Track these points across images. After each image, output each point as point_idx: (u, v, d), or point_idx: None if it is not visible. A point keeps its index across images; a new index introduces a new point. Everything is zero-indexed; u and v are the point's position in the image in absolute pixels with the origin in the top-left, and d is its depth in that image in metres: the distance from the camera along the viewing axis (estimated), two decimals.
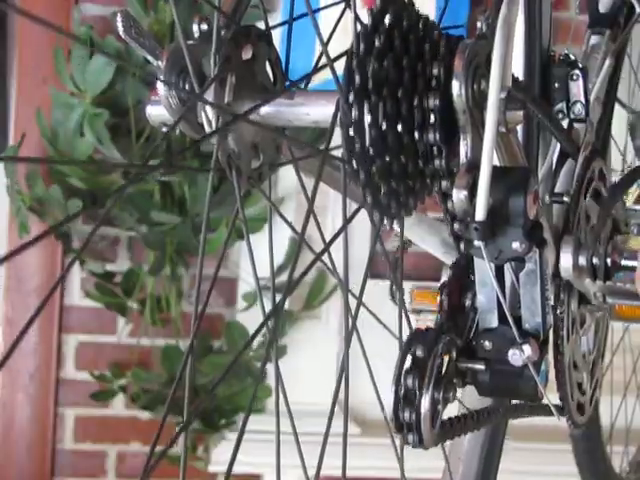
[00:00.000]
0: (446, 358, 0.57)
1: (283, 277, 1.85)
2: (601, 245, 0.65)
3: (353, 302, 0.62)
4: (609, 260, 0.64)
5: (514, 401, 0.68)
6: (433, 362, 0.55)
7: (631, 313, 0.73)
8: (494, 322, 0.59)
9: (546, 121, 0.62)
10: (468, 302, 0.60)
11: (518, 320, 0.59)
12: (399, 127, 0.51)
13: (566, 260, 0.63)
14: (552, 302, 0.61)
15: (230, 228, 0.61)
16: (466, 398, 0.74)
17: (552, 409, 0.62)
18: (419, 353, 0.55)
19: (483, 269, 0.57)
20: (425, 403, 0.54)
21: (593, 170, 0.72)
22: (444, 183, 0.53)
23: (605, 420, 1.10)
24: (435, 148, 0.52)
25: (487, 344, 0.59)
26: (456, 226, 0.54)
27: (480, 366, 0.59)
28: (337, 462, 1.91)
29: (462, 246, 0.55)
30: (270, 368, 1.87)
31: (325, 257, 0.58)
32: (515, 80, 0.55)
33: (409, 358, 0.55)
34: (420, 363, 0.55)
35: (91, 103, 1.65)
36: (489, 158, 0.50)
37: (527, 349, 0.57)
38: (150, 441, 1.77)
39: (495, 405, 0.67)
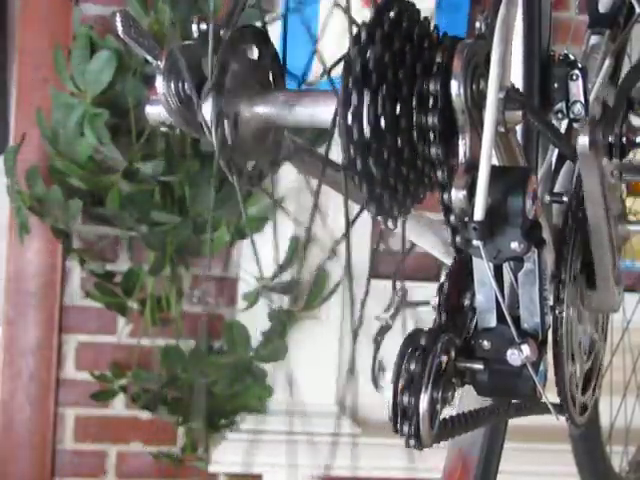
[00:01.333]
0: (445, 358, 0.57)
1: (284, 276, 1.85)
2: (616, 124, 0.64)
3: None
4: (624, 138, 0.64)
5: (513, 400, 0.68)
6: (432, 362, 0.55)
7: None
8: (493, 322, 0.59)
9: (541, 126, 0.62)
10: (467, 302, 0.60)
11: (517, 320, 0.59)
12: (398, 127, 0.51)
13: (583, 139, 0.62)
14: (551, 302, 0.61)
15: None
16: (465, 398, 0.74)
17: (551, 409, 0.62)
18: (417, 353, 0.55)
19: (482, 269, 0.57)
20: (424, 403, 0.54)
21: None
22: (440, 174, 0.53)
23: (605, 420, 1.10)
24: (432, 142, 0.52)
25: (486, 344, 0.59)
26: (452, 218, 0.54)
27: (479, 366, 0.59)
28: (337, 462, 1.91)
29: (458, 239, 0.55)
30: (270, 368, 1.88)
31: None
32: (512, 87, 0.55)
33: (408, 358, 0.55)
34: (419, 363, 0.55)
35: (91, 103, 1.65)
36: (488, 158, 0.51)
37: (526, 349, 0.57)
38: (150, 441, 1.78)
39: (494, 404, 0.67)
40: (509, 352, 0.57)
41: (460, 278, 0.60)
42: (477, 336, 0.59)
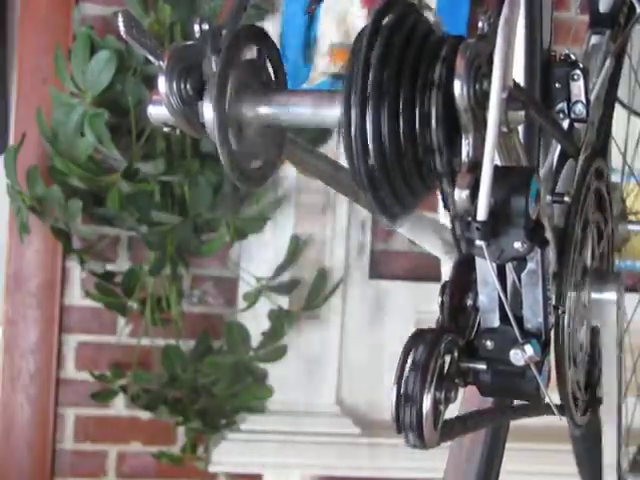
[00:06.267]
0: (448, 358, 0.57)
1: (284, 276, 1.85)
2: None
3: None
4: None
5: (516, 402, 0.68)
6: (435, 362, 0.55)
7: None
8: (496, 322, 0.59)
9: (546, 123, 0.62)
10: (470, 302, 0.60)
11: (520, 320, 0.59)
12: (400, 126, 0.51)
13: None
14: (554, 302, 0.61)
15: None
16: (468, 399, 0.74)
17: (554, 409, 0.62)
18: (421, 353, 0.55)
19: (484, 269, 0.57)
20: (427, 403, 0.54)
21: (594, 170, 0.72)
22: (445, 184, 0.53)
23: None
24: (436, 147, 0.52)
25: (489, 344, 0.59)
26: (458, 230, 0.54)
27: (482, 366, 0.59)
28: (337, 462, 1.91)
29: (464, 248, 0.55)
30: (270, 368, 1.88)
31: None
32: (515, 84, 0.55)
33: (411, 358, 0.55)
34: (422, 363, 0.55)
35: (91, 103, 1.65)
36: (491, 158, 0.51)
37: (529, 349, 0.57)
38: (150, 441, 1.78)
39: (497, 406, 0.67)
40: (512, 352, 0.57)
41: (463, 278, 0.60)
42: (480, 336, 0.59)
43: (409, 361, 0.55)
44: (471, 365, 0.59)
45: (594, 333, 0.75)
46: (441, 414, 0.55)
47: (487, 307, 0.59)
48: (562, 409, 0.67)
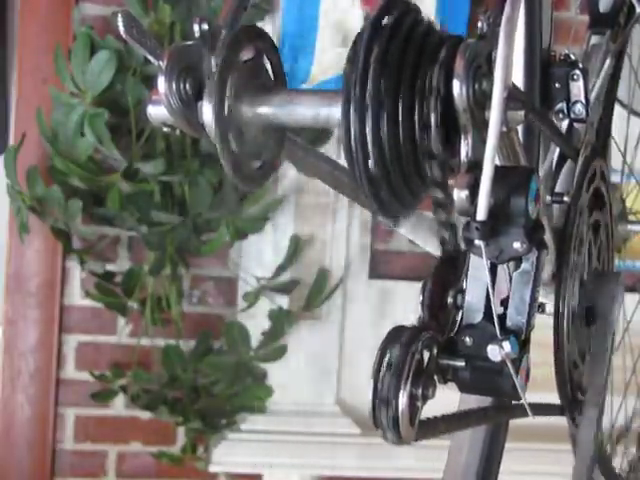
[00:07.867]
0: (426, 355, 0.56)
1: (284, 276, 1.85)
2: None
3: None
4: None
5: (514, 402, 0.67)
6: (411, 359, 0.54)
7: None
8: (478, 319, 0.59)
9: (544, 127, 0.62)
10: (450, 300, 0.59)
11: (502, 317, 0.58)
12: (399, 127, 0.51)
13: None
14: (546, 300, 0.61)
15: None
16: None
17: (527, 408, 0.61)
18: (398, 349, 0.54)
19: (478, 267, 0.57)
20: (403, 399, 0.53)
21: (593, 170, 0.72)
22: (438, 173, 0.53)
23: (605, 420, 1.10)
24: (435, 152, 0.52)
25: (468, 340, 0.58)
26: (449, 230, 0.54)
27: (460, 363, 0.58)
28: (337, 462, 1.92)
29: (446, 237, 0.55)
30: (270, 368, 1.88)
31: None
32: (513, 85, 0.55)
33: (388, 355, 0.55)
34: (397, 360, 0.54)
35: (91, 103, 1.65)
36: (492, 157, 0.51)
37: (506, 345, 0.56)
38: (150, 441, 1.78)
39: (483, 406, 0.67)
40: (490, 347, 0.56)
41: (444, 276, 0.59)
42: (460, 332, 0.59)
43: (386, 358, 0.54)
44: (450, 362, 0.58)
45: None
46: (418, 410, 0.54)
47: (473, 304, 0.59)
48: (558, 409, 0.67)
